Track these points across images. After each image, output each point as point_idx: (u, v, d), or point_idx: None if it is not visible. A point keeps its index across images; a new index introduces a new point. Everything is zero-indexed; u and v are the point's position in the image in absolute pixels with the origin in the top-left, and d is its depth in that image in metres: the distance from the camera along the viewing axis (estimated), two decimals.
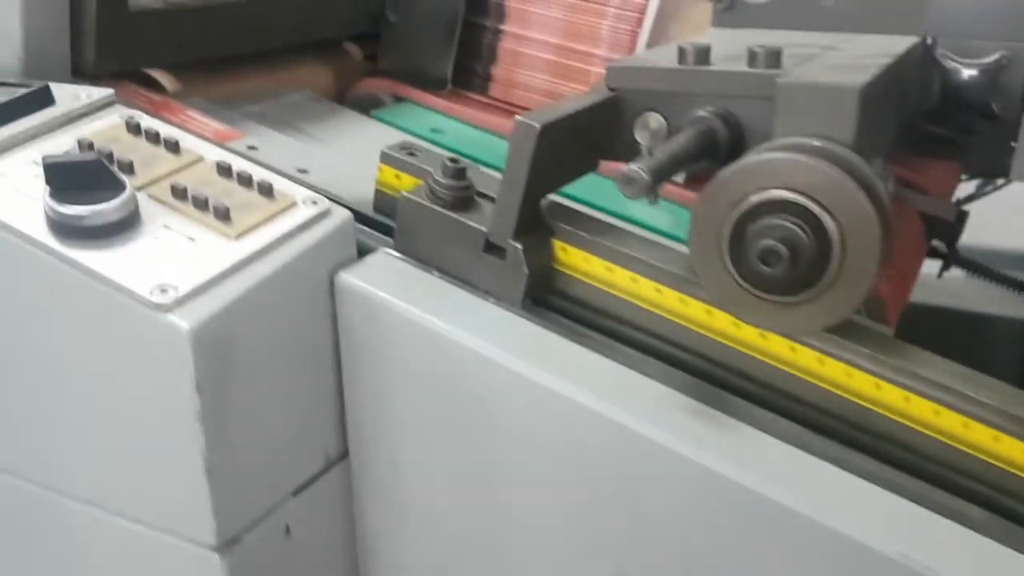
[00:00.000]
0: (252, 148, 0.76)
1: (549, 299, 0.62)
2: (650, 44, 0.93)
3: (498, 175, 0.60)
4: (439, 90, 1.07)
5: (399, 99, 1.08)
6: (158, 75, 0.88)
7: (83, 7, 0.77)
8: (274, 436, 0.60)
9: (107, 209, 0.55)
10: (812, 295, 0.51)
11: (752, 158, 0.52)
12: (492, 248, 0.61)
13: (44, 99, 0.66)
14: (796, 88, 0.55)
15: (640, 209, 0.88)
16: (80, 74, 0.80)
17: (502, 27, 1.04)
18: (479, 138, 1.01)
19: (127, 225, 0.56)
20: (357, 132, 0.95)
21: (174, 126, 0.68)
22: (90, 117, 0.67)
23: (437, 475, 0.63)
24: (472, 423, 0.59)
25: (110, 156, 0.61)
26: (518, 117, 0.57)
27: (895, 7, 0.75)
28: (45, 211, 0.55)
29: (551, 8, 1.01)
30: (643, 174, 0.51)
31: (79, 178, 0.55)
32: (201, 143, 0.66)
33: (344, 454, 0.65)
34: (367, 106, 1.08)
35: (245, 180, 0.61)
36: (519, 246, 0.59)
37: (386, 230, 0.66)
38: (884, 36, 0.73)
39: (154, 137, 0.64)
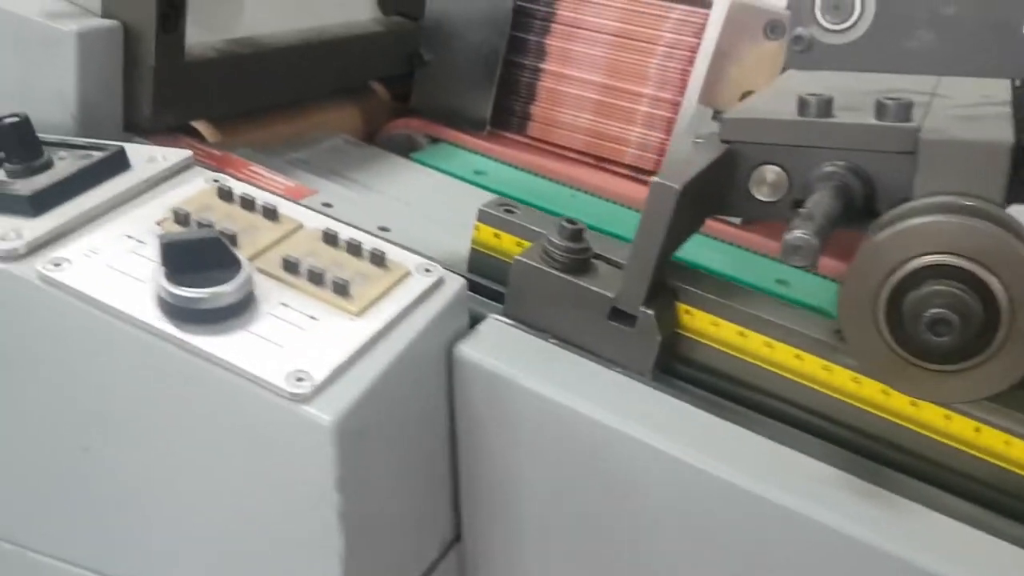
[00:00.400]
0: (327, 205, 0.72)
1: (675, 366, 0.59)
2: (707, 85, 0.90)
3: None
4: (478, 131, 1.03)
5: (434, 140, 1.04)
6: (199, 125, 0.84)
7: (139, 61, 0.72)
8: (399, 526, 0.56)
9: (227, 290, 0.50)
10: (978, 362, 0.48)
11: (913, 221, 0.49)
12: (618, 315, 0.57)
13: (120, 163, 0.62)
14: (942, 144, 0.53)
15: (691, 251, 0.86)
16: (133, 129, 0.75)
17: (542, 66, 1.01)
18: (524, 180, 0.98)
19: (245, 305, 0.52)
20: (406, 178, 0.91)
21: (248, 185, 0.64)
22: (170, 182, 0.62)
23: (561, 558, 0.59)
24: (607, 504, 0.56)
25: (211, 227, 0.56)
26: (656, 179, 0.53)
27: (987, 49, 0.74)
28: (157, 293, 0.50)
29: (595, 46, 0.98)
30: (811, 240, 0.48)
31: (195, 257, 0.50)
32: (296, 208, 0.61)
33: (456, 538, 0.61)
34: (401, 147, 1.04)
35: (355, 249, 0.57)
36: (651, 312, 0.56)
37: (485, 292, 0.63)
38: (975, 80, 0.72)
39: (249, 204, 0.59)
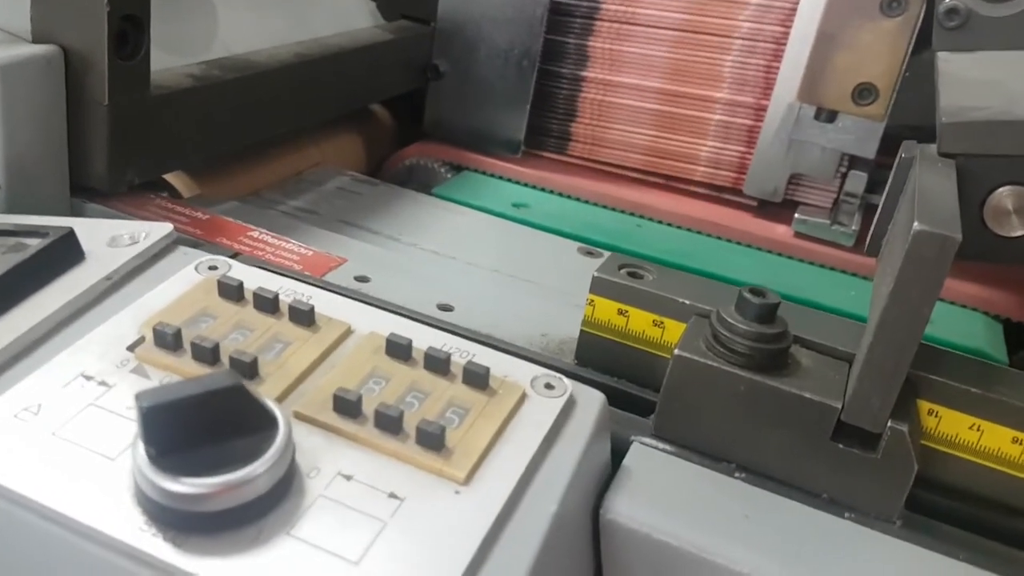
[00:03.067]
0: (362, 280, 0.50)
1: (920, 496, 0.38)
2: (808, 78, 0.70)
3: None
4: (510, 154, 0.82)
5: (456, 168, 0.83)
6: (171, 178, 0.62)
7: (88, 98, 0.51)
8: None
9: (256, 473, 0.29)
10: None
11: None
12: (848, 433, 0.37)
13: (69, 253, 0.40)
14: None
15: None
16: (83, 192, 0.54)
17: (584, 73, 0.80)
18: (575, 211, 0.78)
19: (284, 489, 0.30)
20: (438, 222, 0.70)
21: (257, 267, 0.42)
22: (145, 275, 0.41)
23: None
24: None
25: (215, 351, 0.35)
26: (922, 227, 0.33)
27: None
28: (136, 482, 0.29)
29: (651, 45, 0.78)
30: None
31: (200, 422, 0.29)
32: (339, 301, 0.40)
33: None
34: (416, 180, 0.83)
35: (438, 364, 0.36)
36: (903, 429, 0.36)
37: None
38: None
39: (268, 304, 0.38)
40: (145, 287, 0.40)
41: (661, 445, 0.39)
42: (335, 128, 0.83)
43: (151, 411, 0.28)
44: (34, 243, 0.40)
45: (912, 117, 0.72)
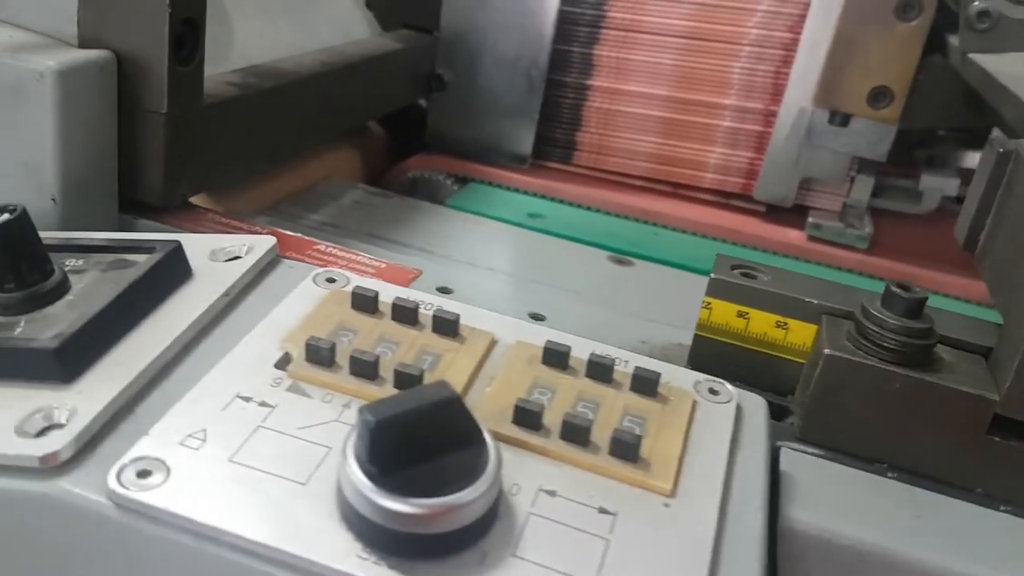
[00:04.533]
0: (444, 291, 0.48)
1: None
2: (825, 83, 0.71)
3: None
4: (518, 165, 0.81)
5: (460, 180, 0.81)
6: None
7: (142, 107, 0.47)
8: None
9: (479, 492, 0.26)
10: None
11: None
12: (1001, 426, 0.36)
13: (180, 269, 0.36)
14: None
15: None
16: (133, 208, 0.50)
17: (589, 82, 0.79)
18: (590, 220, 0.77)
19: (496, 508, 0.28)
20: (467, 234, 0.68)
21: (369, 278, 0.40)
22: (257, 291, 0.37)
23: None
24: None
25: (375, 365, 0.32)
26: None
27: None
28: (355, 508, 0.26)
29: (659, 52, 0.77)
30: None
31: (418, 438, 0.26)
32: (475, 312, 0.37)
33: None
34: (421, 192, 0.81)
35: (600, 371, 0.34)
36: None
37: None
38: None
39: (408, 315, 0.35)
40: (263, 302, 0.36)
41: (810, 449, 0.38)
42: (335, 141, 0.79)
43: (380, 426, 0.25)
44: (140, 259, 0.36)
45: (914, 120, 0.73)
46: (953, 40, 0.63)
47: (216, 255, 0.38)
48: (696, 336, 0.43)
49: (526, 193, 0.80)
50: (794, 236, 0.75)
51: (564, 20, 0.77)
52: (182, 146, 0.48)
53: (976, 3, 0.59)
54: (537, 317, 0.46)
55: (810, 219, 0.74)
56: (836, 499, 0.35)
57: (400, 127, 0.88)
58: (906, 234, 0.76)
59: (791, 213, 0.77)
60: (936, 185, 0.75)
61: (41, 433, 0.29)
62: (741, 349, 0.42)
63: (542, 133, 0.81)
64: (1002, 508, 0.36)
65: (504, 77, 0.78)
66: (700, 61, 0.76)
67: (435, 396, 0.26)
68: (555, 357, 0.34)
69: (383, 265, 0.49)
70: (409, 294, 0.37)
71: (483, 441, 0.28)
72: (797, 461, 0.37)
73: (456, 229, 0.69)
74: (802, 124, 0.73)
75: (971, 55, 0.59)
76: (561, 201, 0.79)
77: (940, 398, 0.36)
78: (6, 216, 0.33)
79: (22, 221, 0.33)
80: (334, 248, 0.50)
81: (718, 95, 0.77)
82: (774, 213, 0.78)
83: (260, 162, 0.58)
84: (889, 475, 0.37)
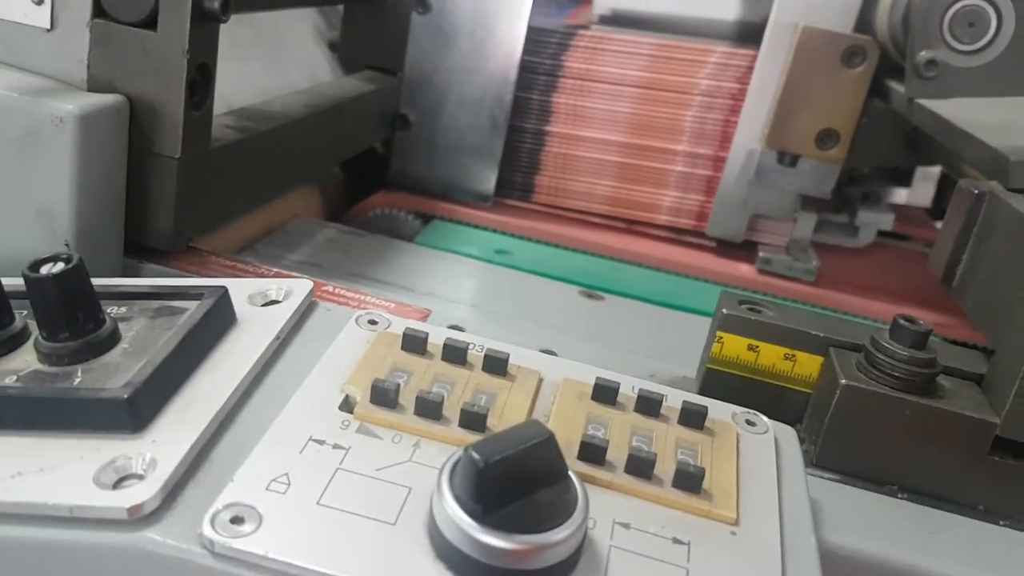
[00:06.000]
0: (457, 328, 0.48)
1: None
2: (775, 126, 0.74)
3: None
4: (481, 203, 0.81)
5: (423, 217, 0.81)
6: None
7: (154, 151, 0.46)
8: None
9: (573, 528, 0.27)
10: None
11: None
12: (1001, 447, 0.38)
13: (226, 315, 0.36)
14: None
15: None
16: (139, 252, 0.48)
17: (547, 128, 0.81)
18: (556, 257, 0.78)
19: (583, 543, 0.28)
20: (445, 271, 0.68)
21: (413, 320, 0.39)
22: (301, 335, 0.37)
23: None
24: None
25: (439, 406, 0.32)
26: None
27: None
28: (456, 547, 0.26)
29: (615, 100, 0.79)
30: None
31: (519, 473, 0.26)
32: (521, 352, 0.38)
33: None
34: (382, 228, 0.80)
35: (648, 406, 0.35)
36: None
37: None
38: None
39: (457, 355, 0.35)
40: (310, 345, 0.36)
41: (826, 474, 0.39)
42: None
43: (488, 467, 0.25)
44: (188, 305, 0.35)
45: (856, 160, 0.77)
46: (896, 86, 0.66)
47: (254, 299, 0.38)
48: (708, 369, 0.44)
49: (490, 230, 0.80)
50: (745, 270, 0.77)
51: (523, 68, 0.78)
52: (192, 190, 0.47)
53: (923, 52, 0.62)
54: (548, 352, 0.47)
55: (760, 253, 0.77)
56: (861, 521, 0.37)
57: (355, 166, 0.87)
58: (845, 266, 0.79)
59: (741, 248, 0.79)
60: (872, 220, 0.79)
61: (119, 484, 0.28)
62: (751, 380, 0.43)
63: (503, 176, 0.82)
64: (1002, 523, 0.38)
65: (468, 117, 0.79)
66: (653, 109, 0.78)
67: (534, 436, 0.27)
68: (605, 393, 0.35)
69: (392, 305, 0.49)
70: (452, 334, 0.37)
71: (568, 477, 0.28)
72: (818, 486, 0.38)
73: (431, 266, 0.69)
74: (751, 165, 0.76)
75: (918, 100, 0.62)
76: (530, 239, 0.80)
77: (946, 422, 0.38)
78: (61, 265, 0.31)
79: (78, 271, 0.32)
80: (342, 288, 0.50)
81: (670, 141, 0.79)
82: (725, 248, 0.80)
83: (254, 203, 0.57)
84: (900, 496, 0.39)
